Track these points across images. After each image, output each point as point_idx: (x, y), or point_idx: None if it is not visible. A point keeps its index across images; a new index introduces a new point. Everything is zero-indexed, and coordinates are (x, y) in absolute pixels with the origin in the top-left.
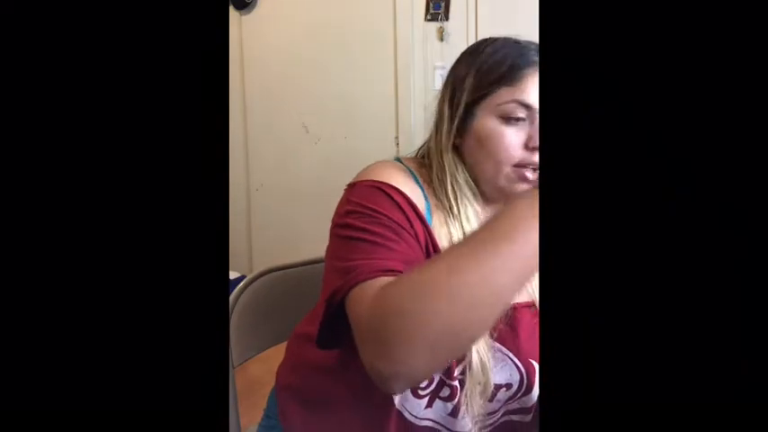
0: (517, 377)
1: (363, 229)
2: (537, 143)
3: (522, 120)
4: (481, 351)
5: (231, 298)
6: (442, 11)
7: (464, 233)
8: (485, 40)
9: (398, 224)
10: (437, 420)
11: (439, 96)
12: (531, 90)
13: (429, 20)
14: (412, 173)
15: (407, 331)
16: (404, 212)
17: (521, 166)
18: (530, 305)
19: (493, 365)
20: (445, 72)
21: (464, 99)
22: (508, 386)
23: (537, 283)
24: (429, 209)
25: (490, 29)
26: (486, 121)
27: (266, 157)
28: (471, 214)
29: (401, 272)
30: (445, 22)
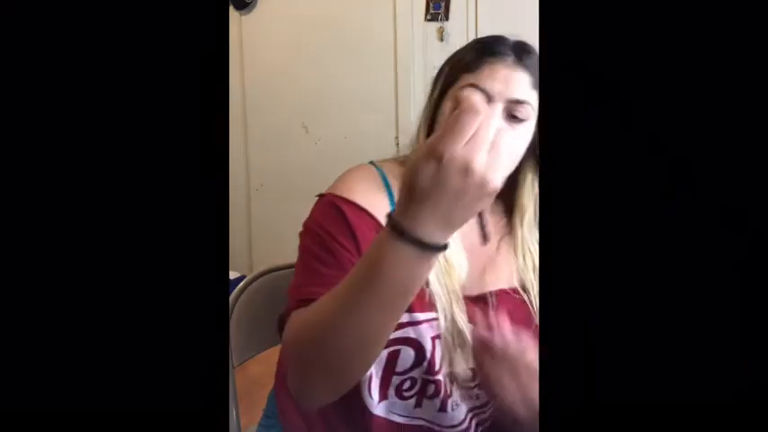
0: None
1: (311, 252)
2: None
3: None
4: (455, 334)
5: (231, 298)
6: (441, 11)
7: None
8: (476, 39)
9: (343, 247)
10: (428, 419)
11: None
12: (488, 76)
13: (429, 20)
14: (384, 178)
15: (300, 365)
16: (353, 236)
17: None
18: (513, 290)
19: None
20: None
21: (438, 88)
22: None
23: (519, 268)
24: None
25: (490, 29)
26: (448, 106)
27: (266, 157)
28: None
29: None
30: (445, 22)
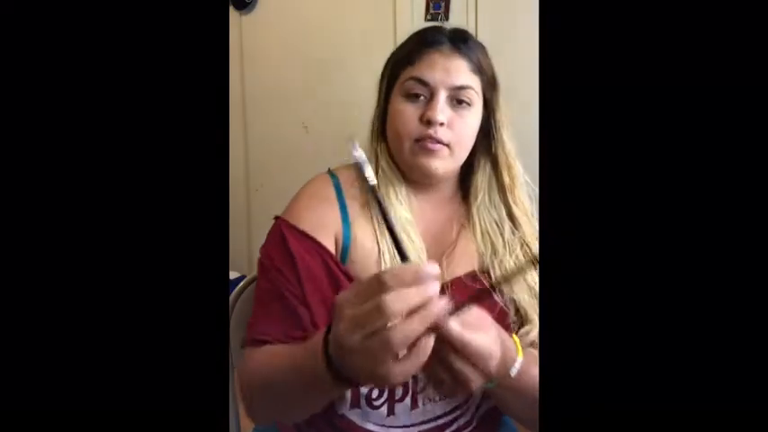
0: None
1: (260, 284)
2: (431, 116)
3: (421, 96)
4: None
5: (231, 298)
6: (441, 11)
7: (387, 224)
8: (411, 34)
9: (285, 278)
10: (403, 425)
11: None
12: (427, 67)
13: (429, 20)
14: (338, 188)
15: (250, 401)
16: (294, 265)
17: (420, 140)
18: (472, 276)
19: None
20: None
21: (384, 86)
22: None
23: (480, 251)
24: (348, 223)
25: (490, 29)
26: (394, 102)
27: (266, 157)
28: (394, 198)
29: (268, 341)
30: (445, 22)
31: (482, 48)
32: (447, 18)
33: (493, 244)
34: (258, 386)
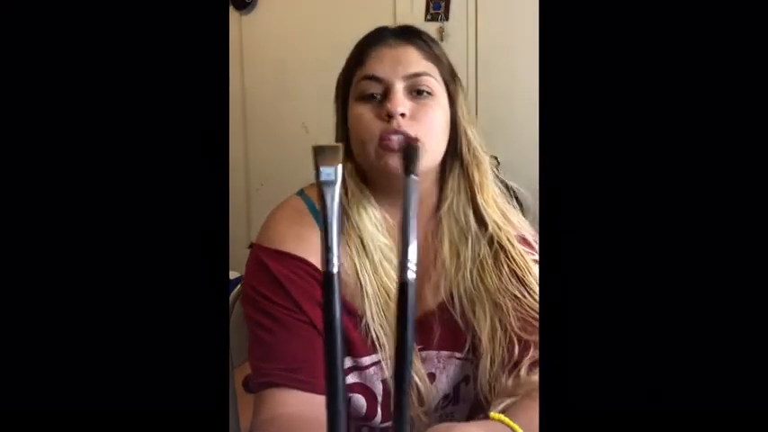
0: (469, 367)
1: (252, 320)
2: (390, 109)
3: (377, 94)
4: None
5: (231, 298)
6: (441, 11)
7: (363, 244)
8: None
9: (277, 305)
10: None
11: None
12: (376, 63)
13: (429, 20)
14: (311, 207)
15: None
16: (283, 288)
17: (383, 138)
18: (441, 306)
19: (452, 373)
20: None
21: (341, 96)
22: (466, 379)
23: (448, 275)
24: None
25: (490, 29)
26: (351, 107)
27: (266, 157)
28: (368, 222)
29: (286, 382)
30: (445, 22)
31: (431, 37)
32: (447, 18)
33: (458, 254)
34: None
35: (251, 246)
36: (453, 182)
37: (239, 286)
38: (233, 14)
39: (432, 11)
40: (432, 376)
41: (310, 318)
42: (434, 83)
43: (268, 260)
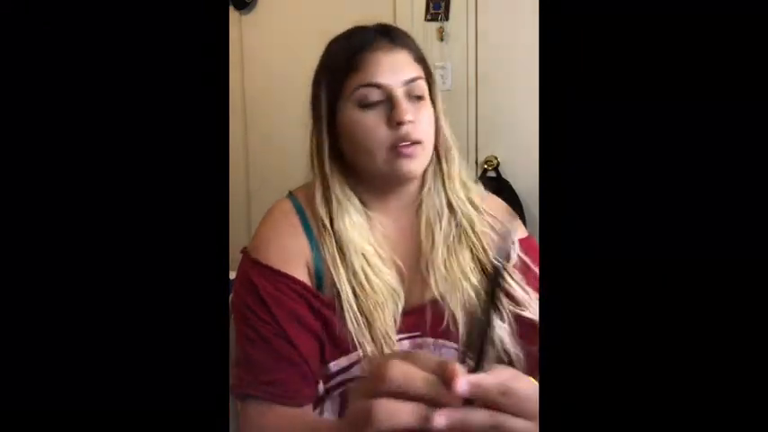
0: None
1: (240, 330)
2: (401, 118)
3: (380, 102)
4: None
5: (231, 298)
6: (441, 11)
7: (342, 250)
8: (332, 39)
9: (261, 319)
10: None
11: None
12: (375, 70)
13: (429, 20)
14: (301, 211)
15: None
16: (264, 304)
17: (394, 146)
18: (433, 302)
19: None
20: (445, 72)
21: (324, 100)
22: None
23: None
24: (317, 248)
25: (490, 29)
26: (347, 114)
27: (266, 157)
28: (349, 225)
29: (264, 395)
30: (445, 22)
31: (412, 38)
32: (447, 18)
33: (433, 235)
34: None
35: (243, 250)
36: (430, 169)
37: None
38: (233, 14)
39: (432, 11)
40: None
41: (289, 335)
42: (424, 85)
43: (253, 274)
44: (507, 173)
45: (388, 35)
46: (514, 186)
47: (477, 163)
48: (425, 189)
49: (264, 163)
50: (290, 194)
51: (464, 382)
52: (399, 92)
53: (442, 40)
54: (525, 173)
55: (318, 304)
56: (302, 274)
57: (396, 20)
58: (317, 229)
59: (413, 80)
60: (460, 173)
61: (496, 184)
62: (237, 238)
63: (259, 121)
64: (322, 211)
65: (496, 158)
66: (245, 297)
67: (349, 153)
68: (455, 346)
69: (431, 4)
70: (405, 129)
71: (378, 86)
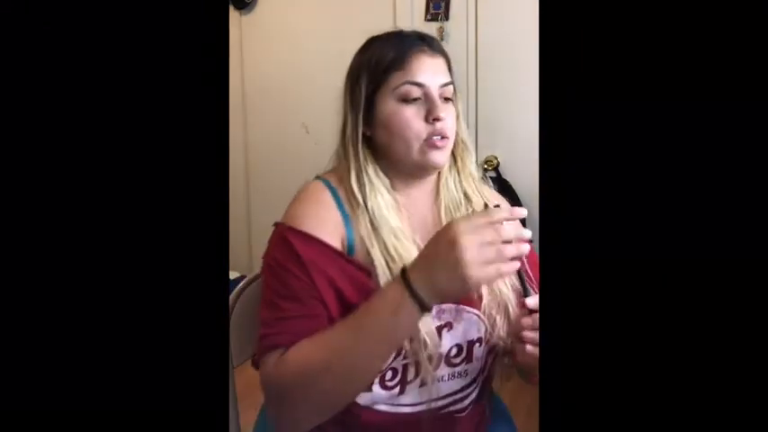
0: (483, 329)
1: (270, 285)
2: (438, 115)
3: (418, 99)
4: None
5: (231, 298)
6: (441, 11)
7: (375, 226)
8: (372, 38)
9: (295, 276)
10: (411, 402)
11: (342, 99)
12: (418, 70)
13: (429, 20)
14: (333, 192)
15: (285, 405)
16: (302, 264)
17: (428, 138)
18: None
19: (465, 325)
20: None
21: (363, 91)
22: (479, 340)
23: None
24: (349, 224)
25: (490, 29)
26: (387, 106)
27: (266, 157)
28: (383, 204)
29: (291, 343)
30: (445, 22)
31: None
32: (447, 18)
33: (452, 218)
34: (317, 371)
35: (276, 225)
36: (448, 163)
37: (239, 286)
38: (233, 14)
39: (432, 11)
40: (449, 325)
41: (322, 296)
42: (452, 90)
43: (291, 237)
44: (507, 173)
45: (428, 42)
46: (514, 186)
47: (477, 163)
48: (442, 180)
49: (264, 163)
50: (318, 177)
51: (533, 300)
52: (436, 92)
53: (442, 40)
54: (525, 173)
55: (349, 266)
56: (336, 244)
57: (396, 20)
58: (351, 206)
59: (446, 84)
60: (472, 168)
61: (496, 184)
62: (238, 238)
63: (259, 121)
64: (356, 190)
65: (496, 158)
66: (281, 257)
67: (384, 141)
68: (476, 311)
69: (431, 4)
70: (440, 125)
71: (419, 85)
